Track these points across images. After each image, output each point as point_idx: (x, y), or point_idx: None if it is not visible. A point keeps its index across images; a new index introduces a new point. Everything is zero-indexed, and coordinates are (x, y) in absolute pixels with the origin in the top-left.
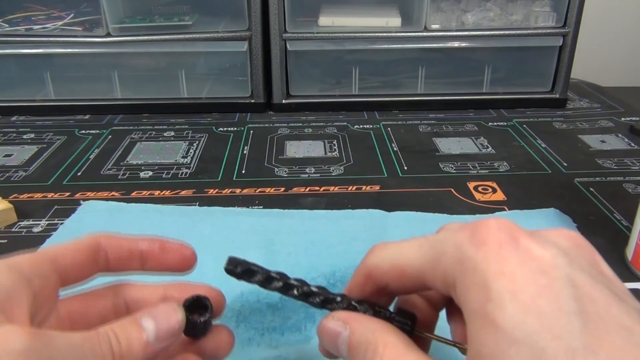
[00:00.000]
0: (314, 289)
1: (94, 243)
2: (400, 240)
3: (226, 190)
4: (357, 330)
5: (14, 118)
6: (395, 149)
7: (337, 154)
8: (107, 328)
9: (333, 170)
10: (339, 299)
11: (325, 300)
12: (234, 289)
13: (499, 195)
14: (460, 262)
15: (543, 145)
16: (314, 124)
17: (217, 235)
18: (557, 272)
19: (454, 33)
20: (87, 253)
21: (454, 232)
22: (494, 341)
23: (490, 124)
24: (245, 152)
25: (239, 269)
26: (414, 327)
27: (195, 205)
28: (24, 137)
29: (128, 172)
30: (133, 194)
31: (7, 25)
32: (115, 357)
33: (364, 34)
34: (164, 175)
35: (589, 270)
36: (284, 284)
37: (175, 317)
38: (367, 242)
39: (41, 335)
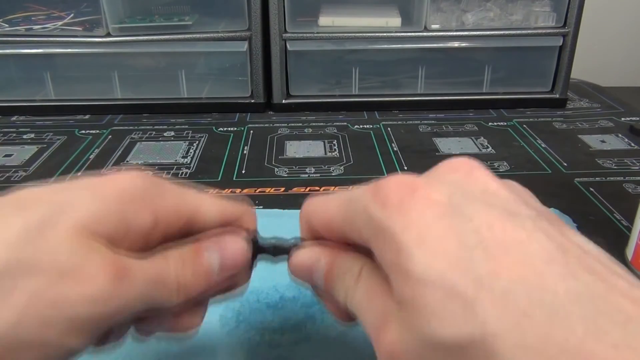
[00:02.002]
0: (270, 241)
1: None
2: (327, 196)
3: (226, 190)
4: (333, 262)
5: (14, 118)
6: (395, 149)
7: (337, 154)
8: (175, 258)
9: (333, 170)
10: (293, 241)
11: (283, 249)
12: None
13: None
14: (369, 223)
15: (543, 145)
16: (314, 124)
17: None
18: (454, 211)
19: (454, 33)
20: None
21: (362, 193)
22: (410, 288)
23: (490, 124)
24: (245, 152)
25: None
26: None
27: None
28: (24, 137)
29: None
30: None
31: (7, 25)
32: (180, 290)
33: (364, 34)
34: (164, 175)
35: (481, 196)
36: None
37: (241, 249)
38: None
39: (123, 274)
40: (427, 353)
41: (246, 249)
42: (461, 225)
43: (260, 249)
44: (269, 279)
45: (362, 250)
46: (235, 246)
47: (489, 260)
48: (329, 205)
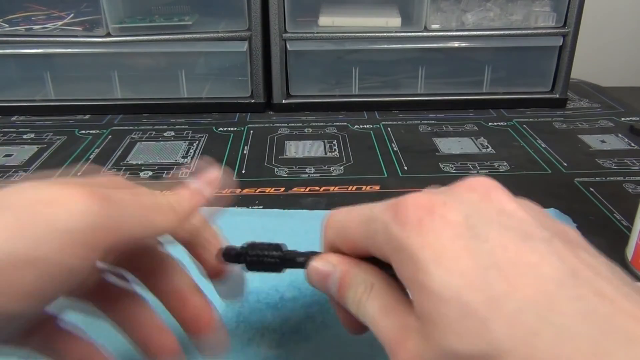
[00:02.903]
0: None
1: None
2: (349, 211)
3: (226, 190)
4: (348, 272)
5: (14, 118)
6: (395, 149)
7: (337, 154)
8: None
9: (333, 170)
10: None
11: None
12: None
13: None
14: (389, 241)
15: (543, 145)
16: (314, 124)
17: None
18: (470, 232)
19: (454, 33)
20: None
21: (382, 212)
22: (428, 303)
23: (490, 124)
24: (245, 152)
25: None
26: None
27: None
28: (24, 137)
29: (128, 172)
30: None
31: (7, 25)
32: (176, 212)
33: (364, 34)
34: (164, 175)
35: (498, 217)
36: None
37: (218, 174)
38: None
39: (106, 198)
40: None
41: (220, 175)
42: (477, 245)
43: (285, 261)
44: (269, 279)
45: (381, 265)
46: (213, 172)
47: (503, 281)
48: (351, 223)
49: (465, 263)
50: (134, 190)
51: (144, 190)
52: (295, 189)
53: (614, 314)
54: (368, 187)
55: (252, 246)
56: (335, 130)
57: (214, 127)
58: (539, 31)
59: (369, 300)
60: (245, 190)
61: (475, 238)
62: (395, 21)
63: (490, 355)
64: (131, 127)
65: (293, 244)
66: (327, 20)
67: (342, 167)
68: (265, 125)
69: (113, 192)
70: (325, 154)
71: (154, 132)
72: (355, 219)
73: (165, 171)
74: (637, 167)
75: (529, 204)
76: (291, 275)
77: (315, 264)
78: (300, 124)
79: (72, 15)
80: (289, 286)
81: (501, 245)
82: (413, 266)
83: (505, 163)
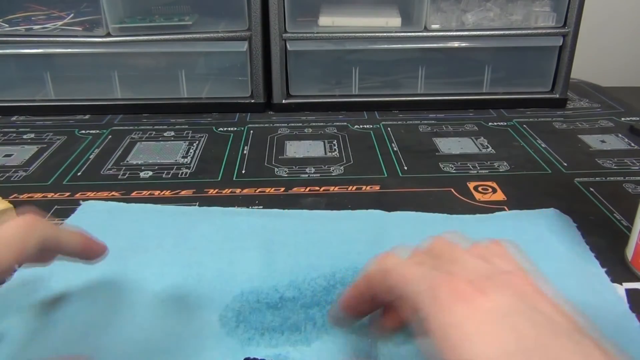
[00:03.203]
0: None
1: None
2: (402, 261)
3: (226, 190)
4: None
5: (14, 118)
6: (395, 149)
7: (337, 154)
8: None
9: (333, 170)
10: None
11: None
12: (234, 289)
13: (499, 195)
14: (416, 309)
15: (543, 145)
16: (314, 124)
17: (217, 235)
18: (499, 319)
19: (454, 33)
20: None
21: (421, 279)
22: None
23: (490, 124)
24: (245, 152)
25: None
26: None
27: (195, 205)
28: (24, 137)
29: (128, 172)
30: (133, 194)
31: (7, 25)
32: None
33: (364, 34)
34: (164, 175)
35: (527, 307)
36: None
37: None
38: (367, 242)
39: None
40: None
41: None
42: (504, 333)
43: None
44: (269, 279)
45: None
46: None
47: None
48: (397, 273)
49: (491, 347)
50: None
51: None
52: (295, 189)
53: None
54: (368, 187)
55: None
56: (335, 130)
57: (214, 127)
58: (539, 31)
59: None
60: (245, 190)
61: (503, 325)
62: (395, 21)
63: None
64: (131, 127)
65: (293, 244)
66: (327, 20)
67: (342, 167)
68: (265, 125)
69: None
70: (325, 154)
71: (154, 132)
72: (403, 272)
73: (165, 171)
74: (637, 167)
75: (561, 304)
76: (291, 275)
77: None
78: (300, 124)
79: (72, 15)
80: (288, 286)
81: (526, 334)
82: (441, 341)
83: (505, 163)
